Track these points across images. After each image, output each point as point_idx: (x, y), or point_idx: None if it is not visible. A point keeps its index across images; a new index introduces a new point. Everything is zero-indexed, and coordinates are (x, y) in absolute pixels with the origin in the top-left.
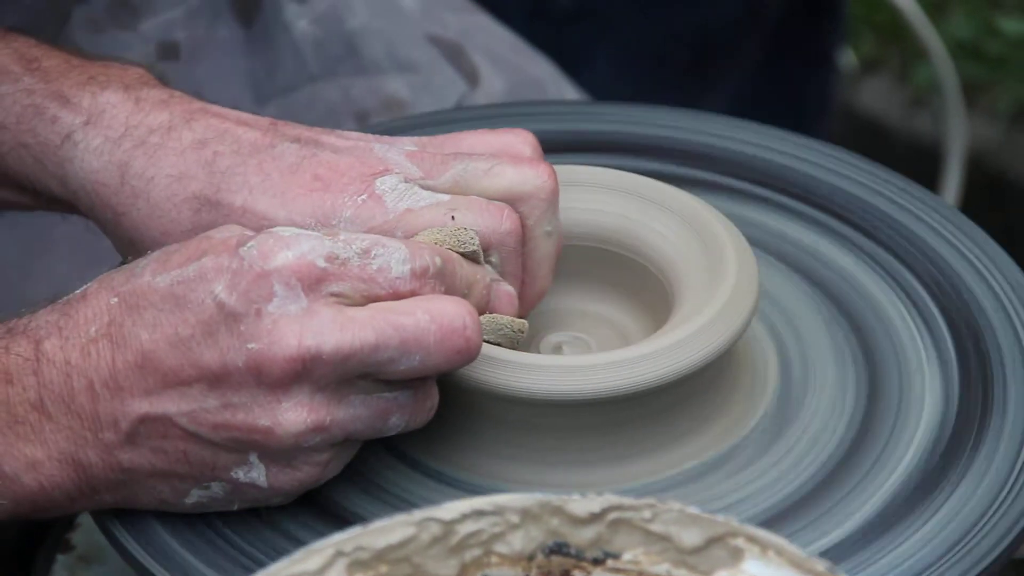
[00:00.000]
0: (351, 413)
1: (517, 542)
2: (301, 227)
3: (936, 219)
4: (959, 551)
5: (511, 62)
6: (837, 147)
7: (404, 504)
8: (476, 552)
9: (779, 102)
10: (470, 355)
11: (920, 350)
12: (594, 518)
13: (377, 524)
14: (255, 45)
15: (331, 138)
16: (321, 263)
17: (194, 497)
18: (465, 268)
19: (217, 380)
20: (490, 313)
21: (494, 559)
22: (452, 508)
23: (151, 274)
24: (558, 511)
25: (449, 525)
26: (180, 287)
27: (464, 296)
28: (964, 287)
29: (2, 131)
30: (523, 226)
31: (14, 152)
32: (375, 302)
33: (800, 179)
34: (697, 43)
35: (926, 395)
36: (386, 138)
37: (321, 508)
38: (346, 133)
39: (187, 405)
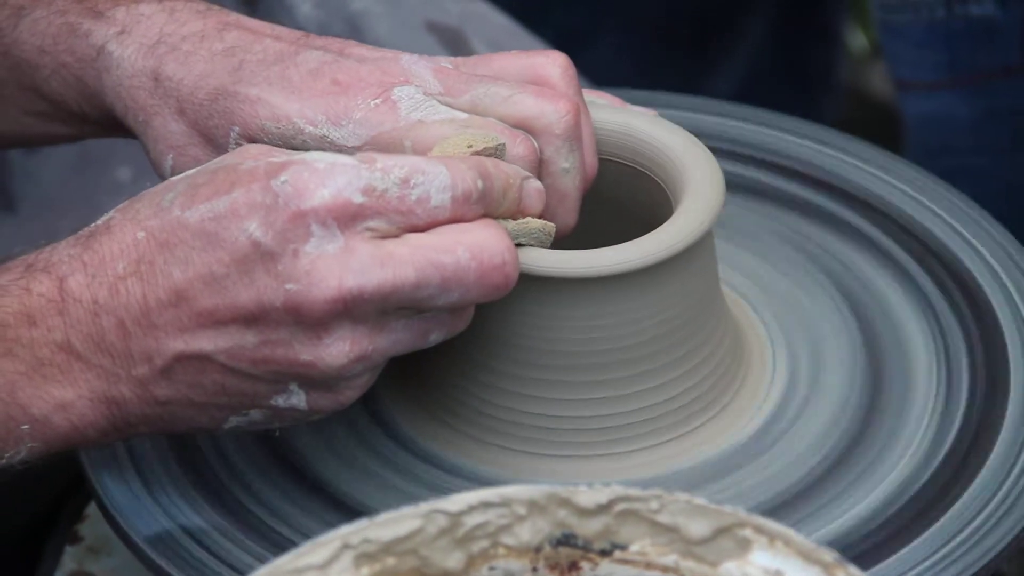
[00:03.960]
0: (393, 338)
1: (524, 533)
2: (311, 122)
3: (945, 207)
4: (965, 545)
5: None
6: (847, 135)
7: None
8: (483, 544)
9: (783, 79)
10: (508, 289)
11: (929, 344)
12: (601, 509)
13: (384, 516)
14: None
15: (360, 50)
16: (358, 198)
17: (232, 423)
18: (500, 176)
19: (254, 319)
20: (523, 212)
21: (501, 551)
22: (459, 500)
23: (180, 208)
24: (565, 502)
25: (456, 517)
26: (212, 223)
27: (499, 205)
28: (972, 276)
29: (42, 55)
30: (541, 160)
31: (56, 75)
32: (412, 231)
33: (806, 164)
34: (699, 18)
35: (932, 386)
36: (417, 55)
37: (329, 499)
38: (376, 48)
39: (224, 342)
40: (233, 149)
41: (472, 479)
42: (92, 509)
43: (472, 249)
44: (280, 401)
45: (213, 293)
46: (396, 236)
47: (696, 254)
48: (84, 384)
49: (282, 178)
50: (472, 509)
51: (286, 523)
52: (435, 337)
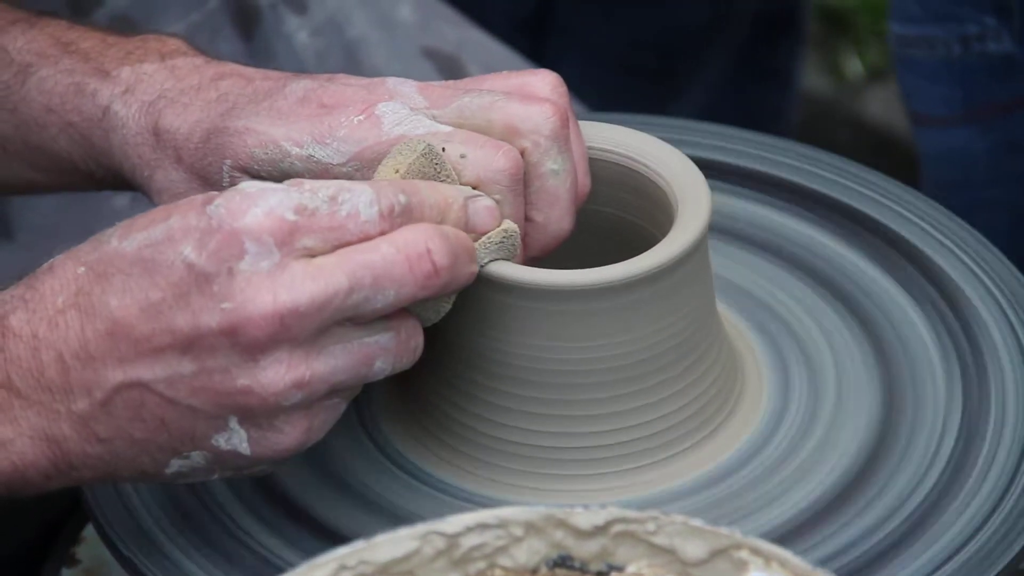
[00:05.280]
0: (332, 364)
1: (521, 555)
2: (297, 143)
3: (938, 227)
4: (962, 562)
5: None
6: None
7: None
8: (480, 565)
9: (735, 118)
10: (439, 279)
11: (935, 362)
12: (598, 531)
13: (380, 538)
14: (256, 58)
15: (348, 78)
16: (291, 216)
17: (174, 467)
18: (435, 194)
19: (191, 344)
20: (473, 231)
21: (498, 572)
22: (456, 521)
23: (117, 240)
24: (562, 524)
25: (453, 538)
26: (148, 250)
27: (434, 222)
28: (967, 299)
29: (49, 114)
30: (528, 164)
31: (64, 134)
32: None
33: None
34: (660, 52)
35: (940, 404)
36: (404, 78)
37: (320, 523)
38: (364, 78)
39: (163, 371)
40: (226, 183)
41: (467, 500)
42: (89, 531)
43: (396, 243)
44: (221, 441)
45: (149, 319)
46: (330, 253)
47: (689, 268)
48: (24, 422)
49: (216, 203)
50: (469, 530)
51: (282, 540)
52: (380, 365)
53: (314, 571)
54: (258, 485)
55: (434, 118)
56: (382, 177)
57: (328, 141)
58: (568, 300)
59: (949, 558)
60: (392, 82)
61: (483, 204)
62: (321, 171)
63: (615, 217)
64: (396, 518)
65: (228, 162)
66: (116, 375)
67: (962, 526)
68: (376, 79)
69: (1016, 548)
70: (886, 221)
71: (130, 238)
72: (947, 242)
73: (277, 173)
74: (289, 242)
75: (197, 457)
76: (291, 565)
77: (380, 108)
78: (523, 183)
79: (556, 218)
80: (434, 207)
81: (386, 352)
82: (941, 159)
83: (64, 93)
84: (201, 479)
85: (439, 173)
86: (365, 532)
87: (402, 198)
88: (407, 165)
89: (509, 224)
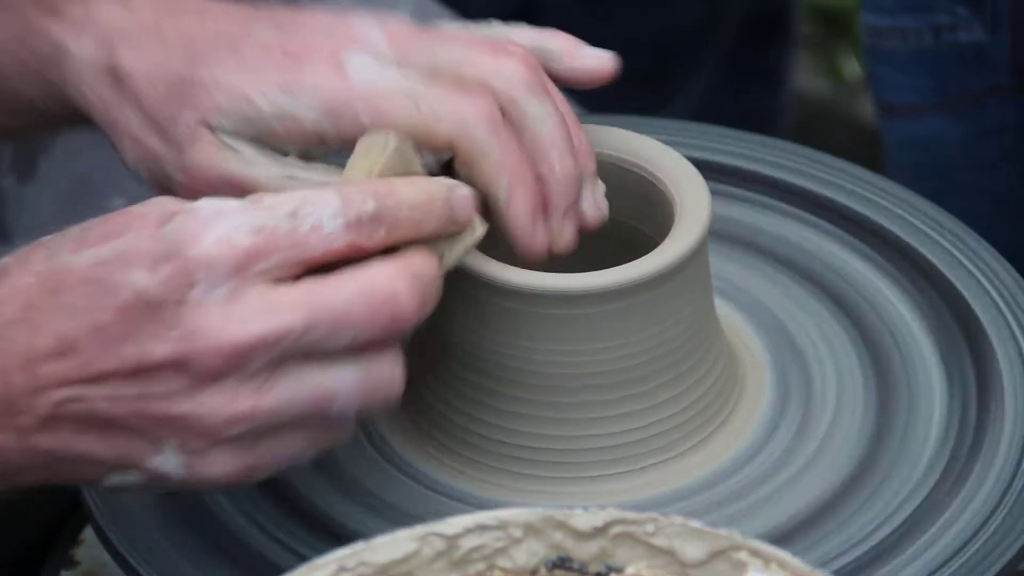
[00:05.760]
0: (282, 399)
1: (520, 556)
2: (265, 94)
3: (935, 229)
4: (961, 564)
5: None
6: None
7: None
8: (479, 567)
9: (731, 121)
10: (404, 321)
11: (931, 365)
12: (597, 532)
13: (379, 539)
14: None
15: (311, 19)
16: (247, 240)
17: (113, 481)
18: (416, 193)
19: (138, 371)
20: (456, 224)
21: (497, 573)
22: (455, 523)
23: (70, 252)
24: (561, 525)
25: (452, 540)
26: (98, 269)
27: (418, 224)
28: (966, 303)
29: (3, 56)
30: (511, 118)
31: (20, 76)
32: (310, 265)
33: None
34: (655, 53)
35: (935, 403)
36: (370, 16)
37: (320, 524)
38: (327, 12)
39: (107, 393)
40: (185, 135)
41: (465, 501)
42: (88, 533)
43: (362, 284)
44: (157, 463)
45: (96, 342)
46: (294, 277)
47: (688, 273)
48: None
49: (170, 226)
50: (468, 532)
51: (282, 541)
52: (342, 403)
53: (313, 572)
54: (259, 485)
55: (401, 68)
56: (353, 178)
57: (295, 92)
58: (565, 304)
59: (948, 559)
60: (359, 25)
61: (462, 193)
62: (292, 124)
63: (616, 221)
64: (393, 519)
65: (190, 113)
66: (60, 392)
67: (962, 526)
68: (339, 21)
69: (1016, 548)
70: (884, 222)
71: (82, 253)
72: (946, 243)
73: (245, 126)
74: (245, 267)
75: (134, 474)
76: (291, 565)
77: (346, 58)
78: (512, 135)
79: (559, 160)
80: (415, 207)
81: (348, 391)
82: (912, 146)
83: (15, 35)
84: (139, 493)
85: (410, 168)
86: (365, 532)
87: (371, 205)
88: (380, 165)
89: (479, 227)
